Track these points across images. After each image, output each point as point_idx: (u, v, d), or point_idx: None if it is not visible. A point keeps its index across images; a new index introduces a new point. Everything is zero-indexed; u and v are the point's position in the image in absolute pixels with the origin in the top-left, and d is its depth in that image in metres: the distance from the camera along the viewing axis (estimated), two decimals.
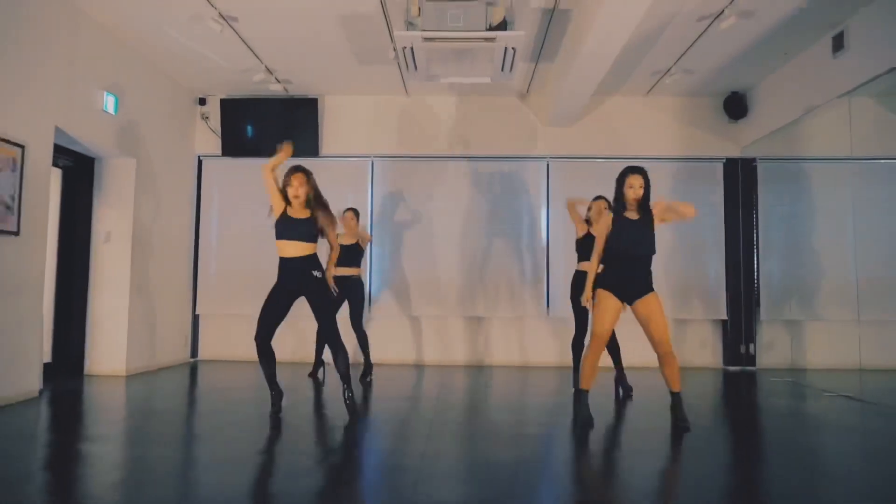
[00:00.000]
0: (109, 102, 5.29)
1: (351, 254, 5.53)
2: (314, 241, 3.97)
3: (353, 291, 5.51)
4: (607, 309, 3.74)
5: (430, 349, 6.97)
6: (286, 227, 3.89)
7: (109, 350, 5.68)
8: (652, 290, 3.76)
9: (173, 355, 6.58)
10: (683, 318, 6.86)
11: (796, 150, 6.94)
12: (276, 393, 3.99)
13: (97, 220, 5.77)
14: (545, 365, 6.82)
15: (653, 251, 3.78)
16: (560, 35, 5.52)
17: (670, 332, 3.90)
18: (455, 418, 4.14)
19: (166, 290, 6.47)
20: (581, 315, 4.94)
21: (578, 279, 4.95)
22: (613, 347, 5.00)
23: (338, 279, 5.40)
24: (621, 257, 3.78)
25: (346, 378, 3.93)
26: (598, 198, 4.98)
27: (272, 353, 3.95)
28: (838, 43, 5.13)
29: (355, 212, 5.67)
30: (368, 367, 5.65)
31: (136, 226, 5.83)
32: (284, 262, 3.92)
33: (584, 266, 4.94)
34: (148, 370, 6.04)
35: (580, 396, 3.81)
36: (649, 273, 3.81)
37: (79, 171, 5.73)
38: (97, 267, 5.74)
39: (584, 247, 4.95)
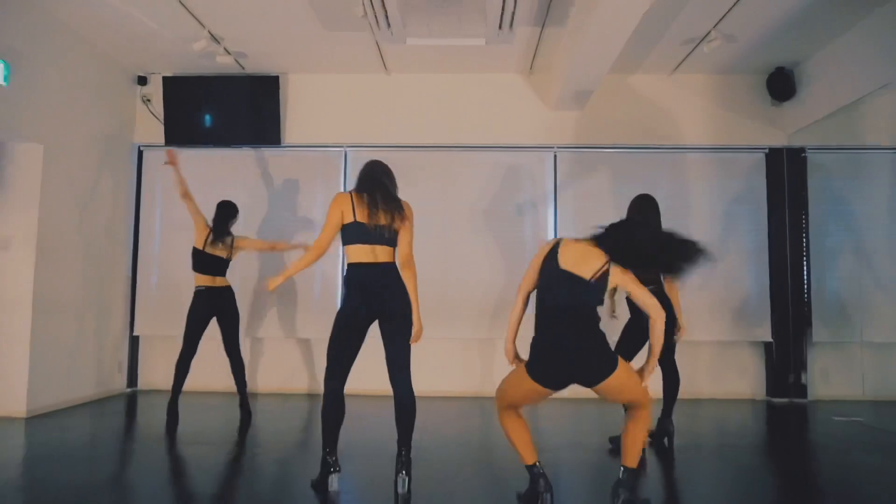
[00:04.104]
0: None
1: (220, 259, 4.48)
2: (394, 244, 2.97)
3: (226, 307, 4.48)
4: (519, 385, 2.68)
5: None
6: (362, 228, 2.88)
7: (5, 385, 4.50)
8: (615, 366, 2.51)
9: (101, 386, 5.41)
10: (719, 340, 5.68)
11: (855, 138, 5.77)
12: (333, 462, 2.83)
13: None
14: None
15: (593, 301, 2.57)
16: None
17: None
18: None
19: (92, 307, 5.30)
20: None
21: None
22: None
23: (208, 291, 4.40)
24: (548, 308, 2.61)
25: (407, 438, 2.82)
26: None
27: (343, 404, 2.86)
28: None
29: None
30: (246, 414, 4.53)
31: (43, 228, 4.66)
32: (358, 272, 2.86)
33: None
34: (65, 406, 4.87)
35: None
36: (597, 336, 2.55)
37: None
38: None
39: None
